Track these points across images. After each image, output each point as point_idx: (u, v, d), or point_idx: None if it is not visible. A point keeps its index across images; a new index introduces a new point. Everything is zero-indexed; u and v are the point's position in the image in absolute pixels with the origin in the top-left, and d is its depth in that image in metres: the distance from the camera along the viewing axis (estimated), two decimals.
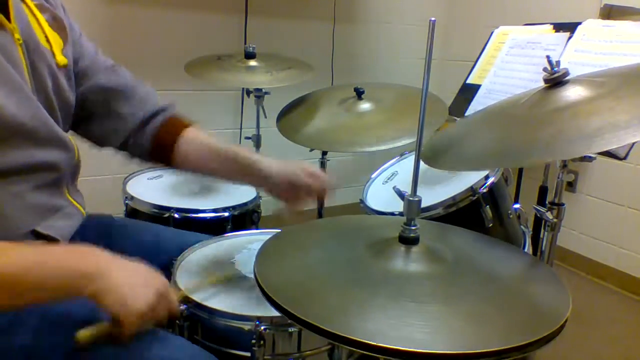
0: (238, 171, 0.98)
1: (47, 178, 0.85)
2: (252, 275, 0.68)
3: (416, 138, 0.69)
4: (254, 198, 1.45)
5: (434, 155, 0.86)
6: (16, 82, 0.77)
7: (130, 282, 0.70)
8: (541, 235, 1.09)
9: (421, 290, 0.62)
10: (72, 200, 0.92)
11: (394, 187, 1.09)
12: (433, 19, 0.62)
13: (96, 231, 1.01)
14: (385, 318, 0.57)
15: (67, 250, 0.75)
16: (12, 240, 0.73)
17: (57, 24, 0.89)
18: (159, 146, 0.99)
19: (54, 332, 0.74)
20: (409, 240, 0.70)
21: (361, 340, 0.53)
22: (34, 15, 0.85)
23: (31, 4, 0.85)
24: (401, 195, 1.08)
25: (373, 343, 0.52)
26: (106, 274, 0.69)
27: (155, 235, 1.07)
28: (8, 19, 0.78)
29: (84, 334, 0.70)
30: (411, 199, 0.69)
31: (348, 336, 0.53)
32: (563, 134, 0.70)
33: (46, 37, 0.86)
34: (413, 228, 0.70)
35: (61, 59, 0.87)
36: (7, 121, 0.75)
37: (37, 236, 0.82)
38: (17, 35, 0.79)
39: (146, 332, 0.73)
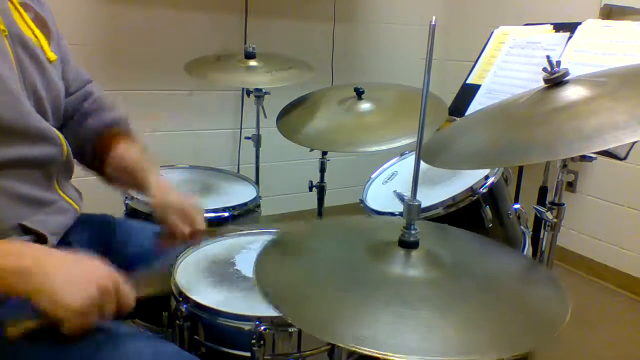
0: (141, 189, 0.99)
1: (35, 173, 0.84)
2: (251, 275, 0.68)
3: (416, 138, 0.69)
4: (254, 198, 1.45)
5: (432, 153, 0.86)
6: None
7: (65, 279, 0.67)
8: (541, 236, 1.09)
9: (417, 296, 0.62)
10: (64, 196, 0.92)
11: (394, 191, 1.09)
12: (433, 21, 0.62)
13: (96, 231, 1.02)
14: (379, 324, 0.56)
15: (4, 249, 0.71)
16: None
17: (40, 23, 0.89)
18: (96, 155, 1.00)
19: (44, 338, 0.73)
20: (408, 244, 0.70)
21: (352, 347, 0.52)
22: (19, 12, 0.84)
23: (17, 2, 0.84)
24: (401, 199, 1.09)
25: (365, 350, 0.52)
26: (40, 272, 0.67)
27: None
28: None
29: (13, 329, 0.68)
30: (411, 202, 0.69)
31: (340, 343, 0.53)
32: (562, 133, 0.70)
33: (33, 33, 0.86)
34: (413, 232, 0.70)
35: (51, 55, 0.88)
36: None
37: (25, 231, 0.81)
38: (2, 27, 0.79)
39: (101, 330, 0.71)
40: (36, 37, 0.86)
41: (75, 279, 0.68)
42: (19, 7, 0.85)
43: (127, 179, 1.00)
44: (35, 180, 0.85)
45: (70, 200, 0.93)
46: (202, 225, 0.94)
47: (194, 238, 0.95)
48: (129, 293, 0.73)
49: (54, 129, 0.87)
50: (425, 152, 0.85)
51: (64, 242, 0.90)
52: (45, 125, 0.84)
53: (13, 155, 0.79)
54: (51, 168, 0.88)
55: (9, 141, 0.79)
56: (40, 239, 0.84)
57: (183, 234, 0.92)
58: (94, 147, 1.00)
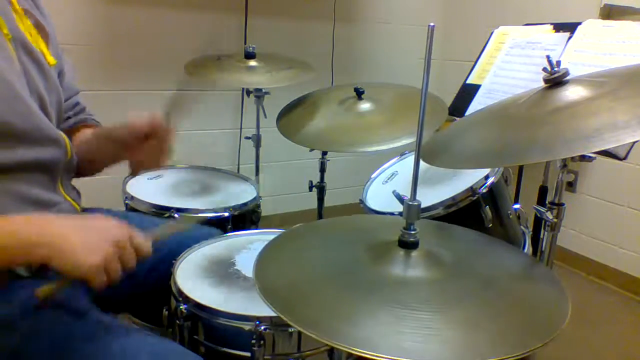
0: (108, 145, 0.99)
1: (39, 175, 0.85)
2: (251, 275, 0.68)
3: (416, 138, 0.69)
4: (254, 198, 1.45)
5: (432, 153, 0.86)
6: (3, 79, 0.77)
7: (81, 239, 0.71)
8: (541, 235, 1.09)
9: (415, 297, 0.62)
10: (67, 197, 0.93)
11: (393, 192, 1.09)
12: (432, 24, 0.62)
13: None
14: (376, 325, 0.56)
15: (26, 219, 0.74)
16: None
17: (40, 29, 0.90)
18: None
19: (45, 334, 0.75)
20: (408, 245, 0.70)
21: (348, 347, 0.52)
22: (20, 18, 0.86)
23: (19, 9, 0.86)
24: (401, 200, 1.08)
25: (360, 351, 0.52)
26: (56, 238, 0.70)
27: (154, 227, 1.07)
28: None
29: (43, 290, 0.74)
30: (410, 203, 0.69)
31: (335, 344, 0.53)
32: (562, 133, 0.70)
33: (33, 38, 0.87)
34: (412, 232, 0.70)
35: (51, 59, 0.89)
36: None
37: None
38: (5, 30, 0.80)
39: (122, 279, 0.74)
40: (36, 42, 0.87)
41: (91, 237, 0.72)
42: (20, 13, 0.86)
43: (95, 149, 1.00)
44: (41, 183, 0.86)
45: (72, 201, 0.94)
46: (160, 119, 0.97)
47: (160, 138, 0.97)
48: (144, 241, 0.78)
49: (59, 131, 0.88)
50: (425, 152, 0.85)
51: None
52: (51, 128, 0.86)
53: (22, 158, 0.81)
54: (57, 170, 0.89)
55: (19, 145, 0.80)
56: None
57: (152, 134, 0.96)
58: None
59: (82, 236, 0.72)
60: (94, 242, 0.72)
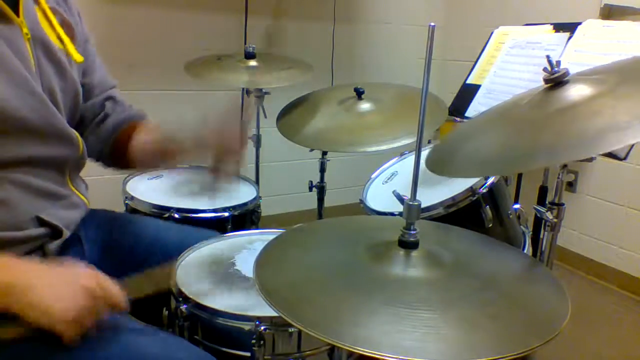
0: (166, 152, 0.98)
1: (50, 169, 0.87)
2: (251, 275, 0.68)
3: (416, 138, 0.69)
4: (254, 198, 1.45)
5: (439, 162, 0.86)
6: (21, 76, 0.78)
7: (53, 292, 0.68)
8: (541, 236, 1.09)
9: (416, 296, 0.62)
10: (76, 191, 0.94)
11: (393, 192, 1.09)
12: (432, 24, 0.62)
13: (103, 226, 1.03)
14: (377, 324, 0.56)
15: None
16: (16, 226, 0.76)
17: (66, 26, 0.91)
18: (116, 149, 1.02)
19: (41, 336, 0.74)
20: (408, 245, 0.70)
21: (349, 346, 0.52)
22: (46, 16, 0.87)
23: (45, 6, 0.87)
24: (401, 199, 1.09)
25: (364, 350, 0.52)
26: (25, 288, 0.68)
27: (156, 231, 1.08)
28: (17, 14, 0.80)
29: (8, 331, 0.69)
30: (411, 203, 0.69)
31: (337, 342, 0.53)
32: (565, 136, 0.69)
33: (59, 36, 0.88)
34: (413, 232, 0.70)
35: (78, 56, 0.90)
36: (8, 115, 0.76)
37: (41, 223, 0.84)
38: (25, 30, 0.81)
39: (98, 330, 0.72)
40: (61, 40, 0.88)
41: (63, 290, 0.69)
42: (48, 11, 0.87)
43: (153, 150, 0.99)
44: (50, 176, 0.87)
45: (81, 195, 0.96)
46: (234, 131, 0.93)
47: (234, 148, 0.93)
48: (119, 292, 0.74)
49: (72, 129, 0.90)
50: (431, 162, 0.85)
51: (74, 235, 0.91)
52: (65, 126, 0.87)
53: (35, 154, 0.82)
54: (66, 165, 0.91)
55: (32, 140, 0.81)
56: (55, 231, 0.86)
57: (224, 148, 0.92)
58: (115, 139, 1.02)
59: (49, 286, 0.69)
60: (67, 294, 0.69)
